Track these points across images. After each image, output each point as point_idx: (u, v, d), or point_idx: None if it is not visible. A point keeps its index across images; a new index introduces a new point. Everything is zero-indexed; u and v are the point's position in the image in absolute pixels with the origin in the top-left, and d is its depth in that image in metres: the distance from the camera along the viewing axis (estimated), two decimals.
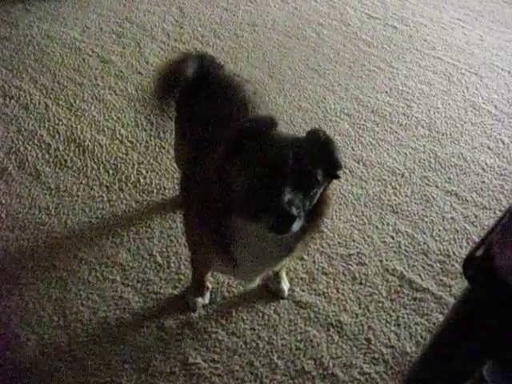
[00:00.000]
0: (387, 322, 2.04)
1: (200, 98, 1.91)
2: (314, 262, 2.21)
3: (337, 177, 1.48)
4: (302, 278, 2.14)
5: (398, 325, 2.03)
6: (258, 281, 1.73)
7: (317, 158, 1.39)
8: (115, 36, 3.46)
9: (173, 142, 2.55)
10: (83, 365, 1.84)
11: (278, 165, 1.34)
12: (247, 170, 1.37)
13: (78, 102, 2.89)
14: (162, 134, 2.71)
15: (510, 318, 0.98)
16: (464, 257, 2.22)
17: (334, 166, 1.45)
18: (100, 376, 1.81)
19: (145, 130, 2.74)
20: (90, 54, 3.28)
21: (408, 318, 2.05)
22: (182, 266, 2.13)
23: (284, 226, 1.32)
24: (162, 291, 2.06)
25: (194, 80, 1.95)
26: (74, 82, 3.03)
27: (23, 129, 2.69)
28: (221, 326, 1.97)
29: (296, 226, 1.34)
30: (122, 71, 3.15)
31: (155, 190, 2.42)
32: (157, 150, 2.63)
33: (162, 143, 2.66)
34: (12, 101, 2.86)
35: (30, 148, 2.59)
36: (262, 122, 1.45)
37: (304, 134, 1.48)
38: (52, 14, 3.64)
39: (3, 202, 2.33)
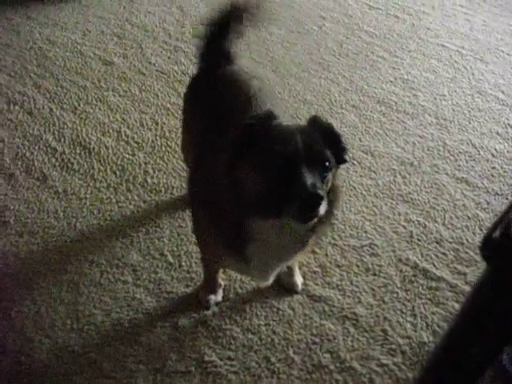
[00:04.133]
0: (403, 312, 2.01)
1: (206, 91, 1.89)
2: (326, 254, 2.19)
3: (344, 161, 1.47)
4: (315, 272, 2.12)
5: (414, 315, 2.01)
6: (272, 279, 1.72)
7: (323, 141, 1.39)
8: (116, 38, 3.45)
9: (179, 141, 2.54)
10: (98, 367, 1.82)
11: (289, 152, 1.33)
12: (259, 166, 1.35)
13: (82, 104, 2.88)
14: (167, 133, 2.70)
15: None
16: (478, 244, 2.20)
17: (340, 150, 1.44)
18: (115, 378, 1.80)
19: (150, 130, 2.72)
20: (92, 56, 3.27)
21: (424, 308, 2.03)
22: (194, 264, 2.12)
23: (312, 210, 1.30)
24: (174, 290, 2.04)
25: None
26: (77, 85, 3.03)
27: (28, 134, 2.69)
28: (235, 322, 1.95)
29: (323, 208, 1.32)
30: (124, 72, 3.14)
31: (163, 190, 2.41)
32: (163, 149, 2.61)
33: (168, 142, 2.65)
34: (16, 107, 2.86)
35: (36, 153, 2.58)
36: (261, 116, 1.44)
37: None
38: (53, 19, 3.64)
39: (11, 207, 2.32)
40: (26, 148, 2.60)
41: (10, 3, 3.80)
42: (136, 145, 2.64)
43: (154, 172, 2.49)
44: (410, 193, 2.48)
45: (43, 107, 2.85)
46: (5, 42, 3.39)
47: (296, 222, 1.35)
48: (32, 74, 3.10)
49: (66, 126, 2.74)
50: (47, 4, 3.80)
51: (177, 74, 3.15)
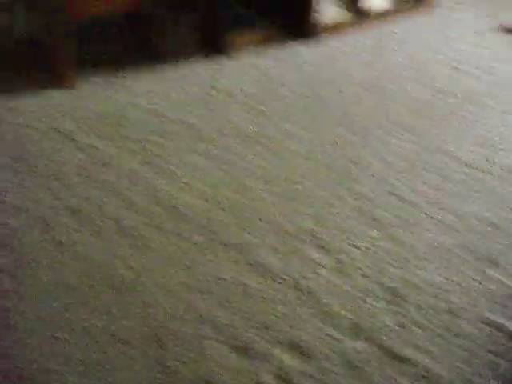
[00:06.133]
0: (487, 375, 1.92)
1: None
2: (404, 315, 2.13)
3: None
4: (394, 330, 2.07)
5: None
6: None
7: None
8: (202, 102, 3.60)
9: (263, 203, 2.56)
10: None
11: None
12: None
13: (165, 165, 2.99)
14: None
15: None
16: None
17: None
18: None
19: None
20: (174, 119, 3.39)
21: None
22: None
23: None
24: None
25: None
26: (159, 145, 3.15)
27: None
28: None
29: None
30: (206, 133, 3.24)
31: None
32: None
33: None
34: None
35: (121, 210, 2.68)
36: None
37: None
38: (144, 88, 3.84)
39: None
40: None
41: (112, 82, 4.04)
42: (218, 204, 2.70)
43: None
44: (493, 253, 2.41)
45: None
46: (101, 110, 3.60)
47: None
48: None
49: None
50: (145, 74, 4.01)
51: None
